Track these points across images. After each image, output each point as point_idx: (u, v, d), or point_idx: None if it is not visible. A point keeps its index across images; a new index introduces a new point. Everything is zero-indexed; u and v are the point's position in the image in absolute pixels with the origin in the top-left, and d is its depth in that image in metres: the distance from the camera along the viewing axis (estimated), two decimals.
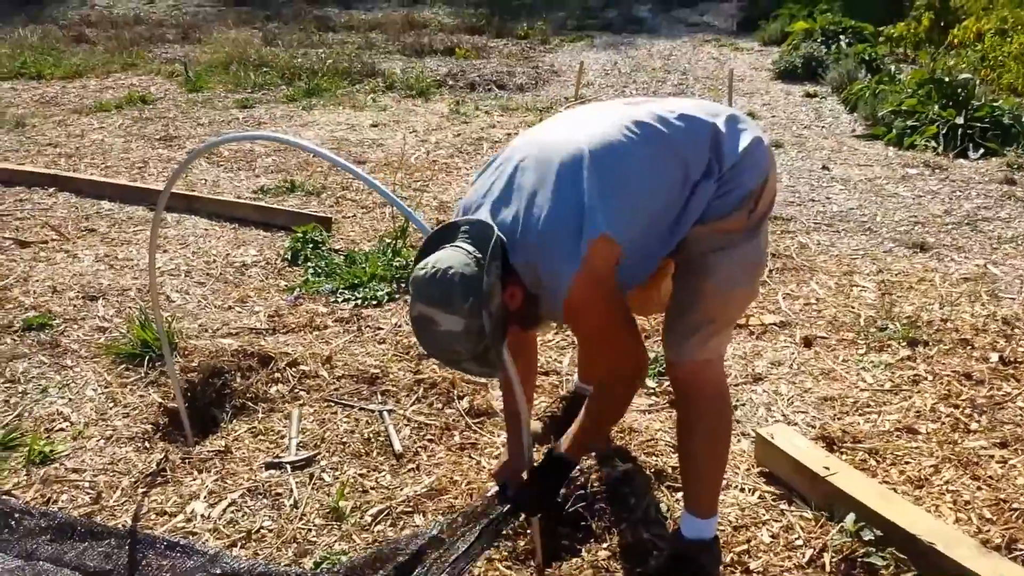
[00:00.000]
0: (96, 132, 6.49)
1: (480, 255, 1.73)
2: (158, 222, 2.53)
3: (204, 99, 7.48)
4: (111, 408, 2.83)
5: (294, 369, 3.03)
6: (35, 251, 4.23)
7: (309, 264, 4.00)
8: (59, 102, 7.58)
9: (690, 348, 1.97)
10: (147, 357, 3.07)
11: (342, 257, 4.03)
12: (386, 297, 3.66)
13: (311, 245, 4.17)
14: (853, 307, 3.50)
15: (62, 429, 2.73)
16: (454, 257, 1.73)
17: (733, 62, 8.70)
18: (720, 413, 2.07)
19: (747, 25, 10.68)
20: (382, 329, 3.39)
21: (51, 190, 5.13)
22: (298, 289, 3.74)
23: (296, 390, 2.92)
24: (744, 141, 1.93)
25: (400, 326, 3.39)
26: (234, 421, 2.77)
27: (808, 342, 3.20)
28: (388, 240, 4.18)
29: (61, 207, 4.87)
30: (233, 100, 7.40)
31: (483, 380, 2.86)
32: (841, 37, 8.50)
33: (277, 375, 2.99)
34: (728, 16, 11.42)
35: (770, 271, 3.84)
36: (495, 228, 1.77)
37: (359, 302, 3.63)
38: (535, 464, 2.03)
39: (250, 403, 2.85)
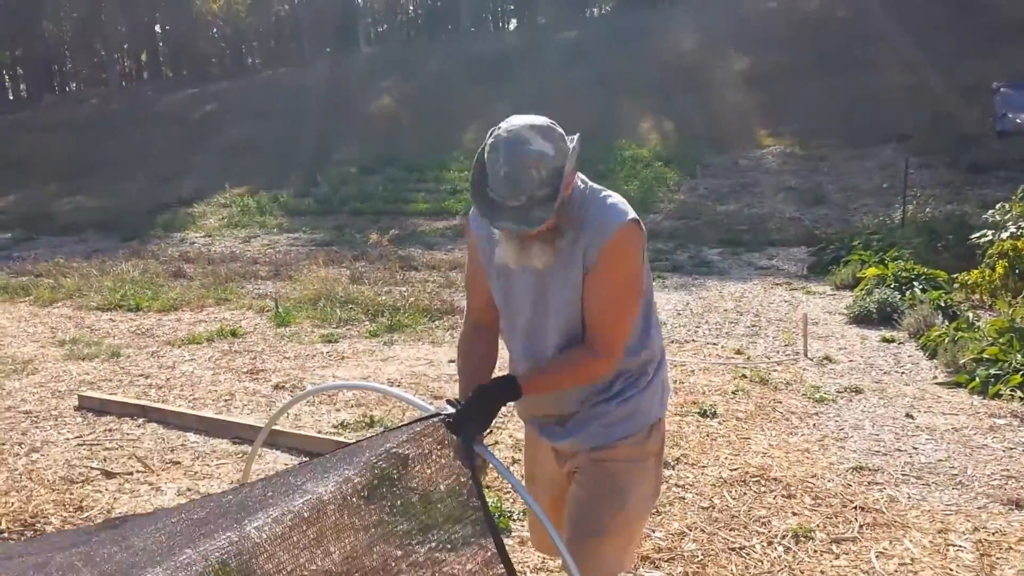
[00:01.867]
0: (187, 364, 6.77)
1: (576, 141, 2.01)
2: (251, 464, 2.59)
3: (291, 333, 7.80)
4: None
5: None
6: (120, 482, 4.32)
7: (385, 502, 3.99)
8: (154, 334, 7.98)
9: None
10: None
11: (418, 496, 4.01)
12: (460, 541, 3.60)
13: (387, 483, 4.17)
14: (951, 569, 3.32)
15: None
16: (556, 126, 1.99)
17: (806, 305, 8.80)
18: None
19: (817, 270, 10.87)
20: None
21: (140, 421, 5.31)
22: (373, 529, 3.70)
23: None
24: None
25: (475, 573, 3.31)
26: None
27: None
28: (463, 479, 4.16)
29: (148, 438, 5.02)
30: (319, 335, 7.70)
31: None
32: (914, 283, 8.57)
33: None
34: (798, 260, 11.68)
35: (860, 526, 3.70)
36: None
37: (433, 545, 3.57)
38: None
39: None
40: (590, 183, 2.13)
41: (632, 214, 2.06)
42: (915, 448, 4.72)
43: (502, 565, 2.11)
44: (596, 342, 2.10)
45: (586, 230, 2.04)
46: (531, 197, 1.93)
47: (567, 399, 2.21)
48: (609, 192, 2.13)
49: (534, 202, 1.93)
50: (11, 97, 50.60)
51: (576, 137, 2.01)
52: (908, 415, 5.28)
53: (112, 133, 28.28)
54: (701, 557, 3.46)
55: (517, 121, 1.97)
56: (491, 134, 2.00)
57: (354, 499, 2.35)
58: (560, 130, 1.98)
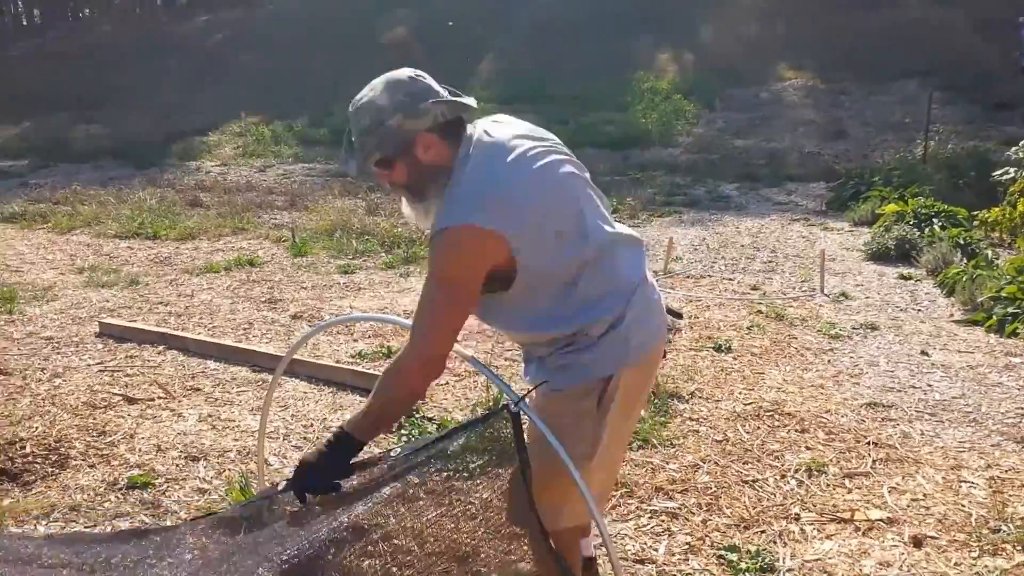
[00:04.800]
0: (205, 292, 6.82)
1: (439, 94, 2.03)
2: (272, 393, 2.62)
3: (308, 264, 7.82)
4: None
5: (387, 543, 3.01)
6: (142, 408, 4.39)
7: (403, 431, 4.05)
8: (172, 262, 8.02)
9: None
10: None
11: (435, 426, 4.07)
12: (478, 470, 3.65)
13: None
14: (963, 505, 3.35)
15: None
16: (435, 86, 2.04)
17: (823, 241, 8.75)
18: None
19: (836, 206, 10.77)
20: (473, 504, 3.36)
21: (160, 348, 5.37)
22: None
23: (388, 565, 2.90)
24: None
25: (491, 501, 3.37)
26: None
27: (918, 542, 3.06)
28: (480, 409, 4.22)
29: (169, 365, 5.08)
30: (335, 266, 7.73)
31: None
32: (934, 220, 8.49)
33: (370, 548, 2.98)
34: (816, 196, 11.57)
35: (873, 462, 3.73)
36: (472, 109, 2.07)
37: (451, 474, 3.63)
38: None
39: None
40: (485, 142, 2.06)
41: (464, 220, 1.93)
42: (930, 385, 4.73)
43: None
44: (408, 343, 2.06)
45: (441, 200, 2.02)
46: (358, 140, 2.03)
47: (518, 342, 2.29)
48: (474, 178, 2.00)
49: (359, 146, 2.04)
50: (25, 23, 50.11)
51: (439, 101, 2.00)
52: (923, 352, 5.28)
53: (125, 61, 28.03)
54: (714, 489, 3.50)
55: (388, 74, 2.06)
56: None
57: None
58: (420, 90, 2.01)
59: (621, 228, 2.24)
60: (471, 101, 2.07)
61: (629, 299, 2.13)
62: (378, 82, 2.04)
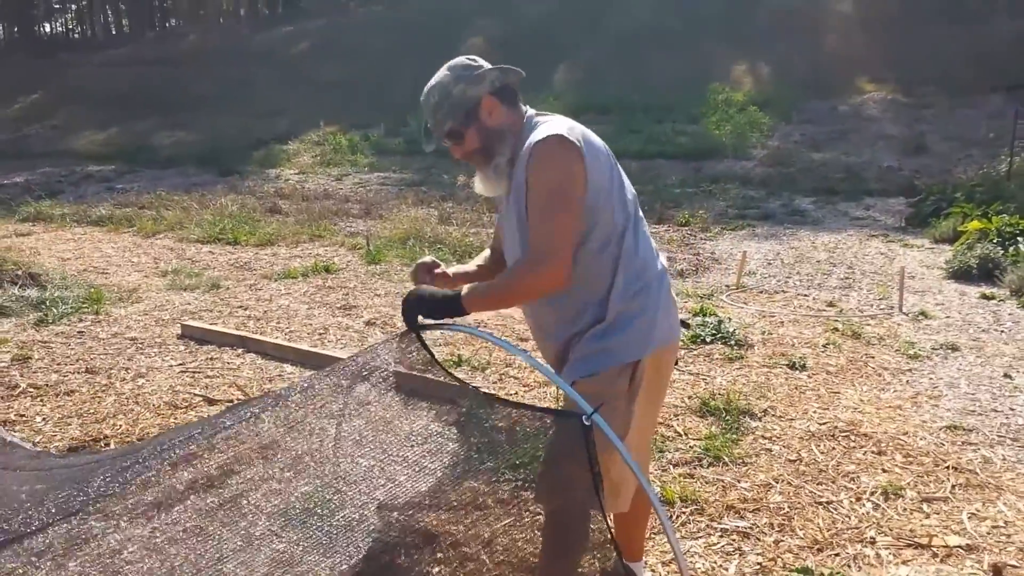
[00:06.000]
0: (283, 297, 6.98)
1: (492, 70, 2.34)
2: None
3: (382, 271, 7.95)
4: None
5: (455, 551, 3.05)
6: (221, 409, 4.51)
7: (473, 440, 4.08)
8: (251, 267, 8.23)
9: None
10: None
11: (503, 436, 4.09)
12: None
13: (474, 420, 4.26)
14: None
15: None
16: (484, 62, 2.36)
17: (903, 259, 8.54)
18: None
19: (916, 222, 10.51)
20: (540, 516, 3.38)
21: (239, 351, 5.52)
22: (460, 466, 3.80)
23: (457, 572, 2.93)
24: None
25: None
26: None
27: (998, 571, 2.97)
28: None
29: (247, 367, 5.22)
30: (409, 274, 7.82)
31: None
32: (1019, 239, 8.22)
33: (440, 555, 3.02)
34: (896, 212, 11.31)
35: (952, 486, 3.63)
36: (521, 75, 2.38)
37: (519, 483, 3.65)
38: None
39: None
40: (544, 116, 2.38)
41: (557, 131, 2.21)
42: (1012, 409, 4.59)
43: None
44: (530, 248, 2.23)
45: (521, 156, 2.28)
46: (432, 119, 2.34)
47: (549, 336, 2.44)
48: (551, 118, 2.35)
49: (435, 124, 2.34)
50: (114, 32, 51.98)
51: (492, 67, 2.34)
52: (1006, 375, 5.12)
53: (210, 69, 28.85)
54: (787, 509, 3.45)
55: (453, 60, 2.38)
56: None
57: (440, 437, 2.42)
58: (476, 64, 2.34)
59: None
60: (516, 69, 2.38)
61: (658, 286, 2.34)
62: (442, 69, 2.35)
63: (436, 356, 2.36)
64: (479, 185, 2.43)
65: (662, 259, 2.42)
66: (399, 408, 2.38)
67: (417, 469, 2.33)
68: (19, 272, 7.22)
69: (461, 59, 2.38)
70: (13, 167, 17.69)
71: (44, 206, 11.95)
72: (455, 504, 2.57)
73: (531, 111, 2.41)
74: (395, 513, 2.33)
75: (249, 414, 2.33)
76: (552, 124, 2.28)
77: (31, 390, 4.88)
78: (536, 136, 2.23)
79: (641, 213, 2.42)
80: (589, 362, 2.28)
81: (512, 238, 2.38)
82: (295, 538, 2.18)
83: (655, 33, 23.92)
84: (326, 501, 2.31)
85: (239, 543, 2.18)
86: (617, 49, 23.75)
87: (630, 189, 2.43)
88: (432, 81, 2.35)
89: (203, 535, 2.26)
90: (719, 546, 3.20)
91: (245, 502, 2.38)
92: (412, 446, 2.29)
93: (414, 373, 2.44)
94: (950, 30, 21.10)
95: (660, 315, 2.32)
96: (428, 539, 2.79)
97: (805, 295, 7.16)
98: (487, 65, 2.35)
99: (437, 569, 2.93)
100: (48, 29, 56.83)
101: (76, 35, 56.13)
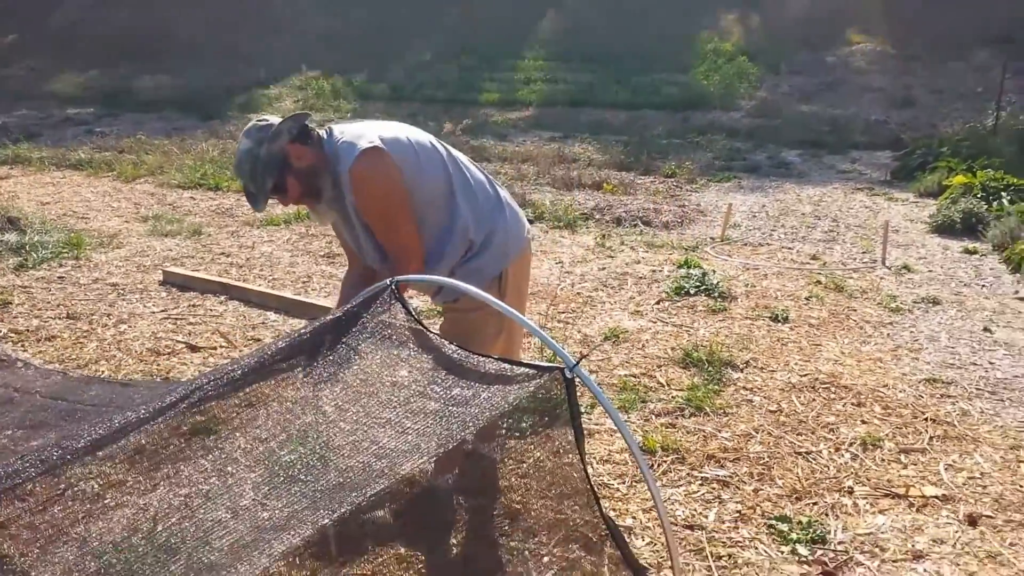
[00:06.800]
0: (266, 245, 6.93)
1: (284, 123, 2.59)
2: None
3: None
4: None
5: (438, 505, 3.07)
6: (204, 356, 4.50)
7: (452, 394, 4.09)
8: (233, 213, 8.15)
9: None
10: None
11: (482, 390, 4.10)
12: (529, 430, 3.69)
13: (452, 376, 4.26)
14: (1021, 485, 3.30)
15: None
16: (275, 119, 2.62)
17: (887, 212, 8.56)
18: None
19: (901, 176, 10.50)
20: (525, 463, 3.40)
21: (222, 298, 5.49)
22: None
23: (442, 515, 2.95)
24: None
25: (542, 461, 3.40)
26: None
27: (973, 520, 3.03)
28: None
29: (231, 315, 5.19)
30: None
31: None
32: (1003, 194, 8.24)
33: (425, 499, 3.04)
34: (881, 166, 11.30)
35: (930, 438, 3.68)
36: (310, 116, 2.67)
37: (503, 432, 3.67)
38: None
39: None
40: (343, 130, 2.67)
41: (364, 144, 2.56)
42: (991, 363, 4.64)
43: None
44: (390, 256, 2.67)
45: (339, 178, 2.60)
46: (253, 184, 2.59)
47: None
48: (350, 131, 2.65)
49: (256, 188, 2.59)
50: None
51: (282, 120, 2.58)
52: (986, 329, 5.17)
53: (193, 13, 28.29)
54: (767, 459, 3.49)
55: (246, 127, 2.65)
56: None
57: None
58: (268, 123, 2.59)
59: (475, 170, 2.91)
60: (304, 112, 2.70)
61: (499, 209, 2.85)
62: (240, 138, 2.62)
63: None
64: (316, 218, 2.82)
65: (495, 185, 2.93)
66: (380, 363, 2.38)
67: (400, 430, 2.32)
68: None
69: (252, 123, 2.64)
70: None
71: (22, 149, 11.74)
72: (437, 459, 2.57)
73: (329, 130, 2.70)
74: (379, 468, 2.33)
75: (227, 377, 2.34)
76: (354, 141, 2.60)
77: (12, 335, 4.85)
78: (347, 161, 2.56)
79: (461, 155, 2.87)
80: (467, 283, 2.53)
81: (366, 246, 2.76)
82: (280, 504, 2.18)
83: None
84: (310, 467, 2.32)
85: (226, 515, 2.18)
86: None
87: (442, 146, 2.82)
88: (239, 152, 2.60)
89: (189, 511, 2.27)
90: (699, 494, 3.23)
91: (230, 470, 2.39)
92: (395, 406, 2.29)
93: (396, 323, 2.43)
94: None
95: (510, 232, 2.86)
96: (413, 485, 2.81)
97: (789, 248, 7.18)
98: (275, 119, 2.61)
99: (416, 520, 2.96)
100: None
101: None
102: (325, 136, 2.69)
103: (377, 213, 2.62)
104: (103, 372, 4.30)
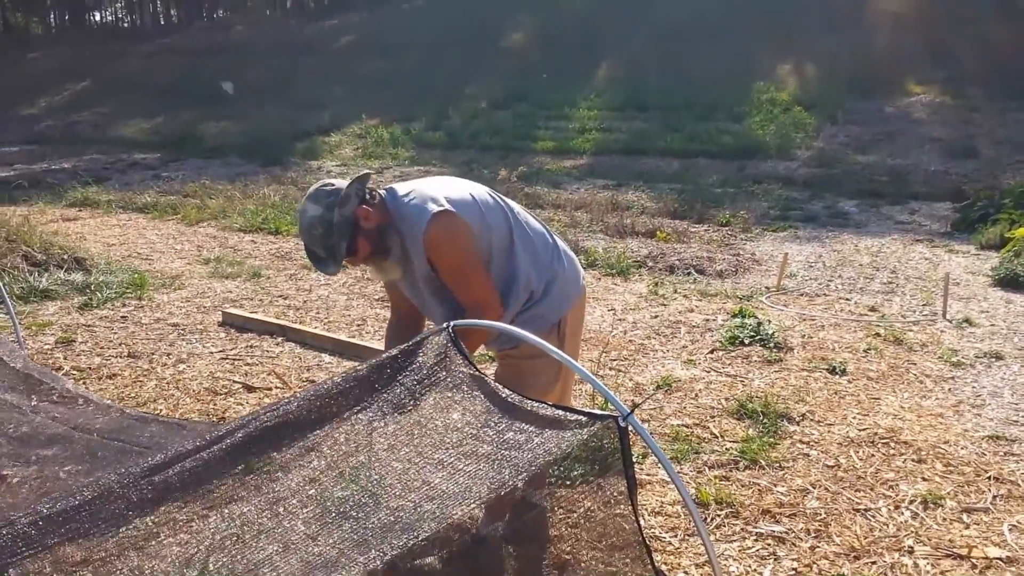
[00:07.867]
0: (322, 288, 7.04)
1: (351, 185, 2.65)
2: None
3: None
4: None
5: (486, 548, 3.05)
6: (260, 396, 4.57)
7: (504, 439, 4.08)
8: (292, 257, 8.31)
9: None
10: None
11: (535, 436, 4.09)
12: (579, 479, 3.66)
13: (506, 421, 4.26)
14: None
15: None
16: (339, 182, 2.67)
17: (947, 264, 8.40)
18: None
19: (962, 227, 10.30)
20: (575, 513, 3.37)
21: (279, 339, 5.58)
22: None
23: (492, 564, 2.94)
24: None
25: (593, 511, 3.37)
26: None
27: None
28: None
29: (287, 356, 5.27)
30: None
31: None
32: None
33: (473, 549, 3.03)
34: (941, 217, 11.11)
35: (993, 497, 3.57)
36: (371, 177, 2.76)
37: (553, 480, 3.65)
38: None
39: None
40: (405, 189, 2.74)
41: (434, 208, 2.63)
42: None
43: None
44: (467, 309, 2.69)
45: (407, 236, 2.68)
46: (324, 249, 2.64)
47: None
48: (411, 193, 2.72)
49: (328, 252, 2.65)
50: (162, 22, 52.68)
51: (349, 182, 2.64)
52: None
53: (256, 61, 29.13)
54: (824, 515, 3.42)
55: (309, 191, 2.68)
56: None
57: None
58: (335, 187, 2.63)
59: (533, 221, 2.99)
60: (366, 173, 2.78)
61: (557, 257, 2.93)
62: (305, 203, 2.65)
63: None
64: (378, 275, 2.87)
65: (552, 234, 3.00)
66: (433, 404, 2.40)
67: (452, 471, 2.33)
68: (65, 256, 7.36)
69: (317, 188, 2.67)
70: (61, 153, 18.02)
71: (91, 192, 12.15)
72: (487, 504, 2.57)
73: (391, 190, 2.76)
74: (430, 509, 2.33)
75: (282, 418, 2.38)
76: (423, 204, 2.66)
77: (74, 372, 4.98)
78: (419, 223, 2.63)
79: (517, 207, 2.94)
80: (526, 330, 2.55)
81: (430, 302, 2.83)
82: (332, 541, 2.20)
83: (698, 29, 23.69)
84: (361, 504, 2.33)
85: (277, 548, 2.21)
86: (659, 45, 23.56)
87: (501, 199, 2.90)
88: (307, 218, 2.63)
89: (241, 544, 2.29)
90: (754, 550, 3.17)
91: (282, 509, 2.42)
92: (447, 448, 2.30)
93: (451, 367, 2.45)
94: (997, 29, 20.67)
95: (568, 279, 2.94)
96: (462, 532, 2.81)
97: (847, 299, 7.07)
98: (340, 183, 2.66)
99: (471, 565, 2.95)
100: (98, 18, 57.68)
101: (125, 24, 56.92)
102: (387, 195, 2.76)
103: (453, 272, 2.70)
104: (161, 411, 4.39)
